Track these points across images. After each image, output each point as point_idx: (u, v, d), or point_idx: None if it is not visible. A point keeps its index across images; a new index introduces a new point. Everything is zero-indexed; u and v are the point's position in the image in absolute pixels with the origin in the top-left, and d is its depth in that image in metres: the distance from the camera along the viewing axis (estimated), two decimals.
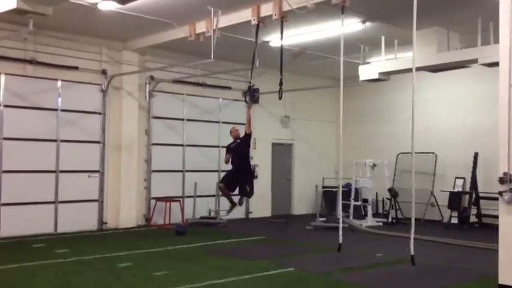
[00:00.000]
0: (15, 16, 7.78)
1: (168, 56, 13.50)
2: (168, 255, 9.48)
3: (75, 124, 12.40)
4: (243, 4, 9.71)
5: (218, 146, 14.58)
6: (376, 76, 12.27)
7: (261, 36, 10.54)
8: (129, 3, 8.63)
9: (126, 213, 13.02)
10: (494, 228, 7.30)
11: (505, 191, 6.70)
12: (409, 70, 8.24)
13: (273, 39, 12.01)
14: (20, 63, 11.54)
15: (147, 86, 13.58)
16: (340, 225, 9.07)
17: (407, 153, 13.39)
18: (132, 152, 13.21)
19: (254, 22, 9.67)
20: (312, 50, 13.07)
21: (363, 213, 14.88)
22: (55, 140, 12.06)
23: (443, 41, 11.28)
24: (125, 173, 13.05)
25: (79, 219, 12.28)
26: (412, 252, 7.87)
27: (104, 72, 12.79)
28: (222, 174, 14.11)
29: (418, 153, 11.91)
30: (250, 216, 15.57)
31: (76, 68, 12.33)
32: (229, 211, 11.28)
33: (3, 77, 11.32)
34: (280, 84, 9.49)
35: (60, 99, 12.14)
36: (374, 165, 14.84)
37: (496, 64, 7.59)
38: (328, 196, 15.87)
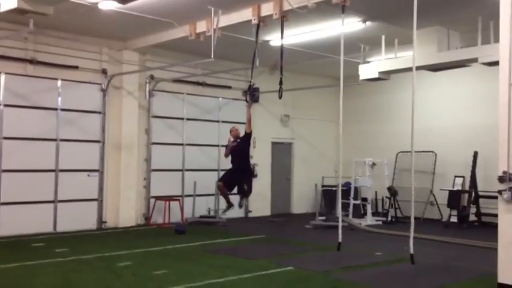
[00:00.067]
0: (16, 16, 7.79)
1: (168, 55, 13.51)
2: (167, 254, 9.48)
3: (75, 123, 12.41)
4: (243, 3, 9.71)
5: (218, 145, 14.59)
6: (376, 75, 12.28)
7: (261, 35, 10.55)
8: (130, 2, 8.61)
9: (125, 212, 13.03)
10: (494, 226, 7.30)
11: (505, 190, 6.71)
12: (409, 69, 8.26)
13: (274, 38, 12.01)
14: (21, 63, 11.55)
15: (147, 85, 13.59)
16: (340, 224, 9.10)
17: (407, 152, 13.42)
18: (131, 151, 13.21)
19: (254, 21, 9.68)
20: (312, 49, 13.07)
21: (363, 212, 14.90)
22: (55, 139, 12.06)
23: (444, 40, 11.29)
24: (125, 172, 13.05)
25: (78, 219, 12.28)
26: (411, 251, 7.89)
27: (104, 71, 12.80)
28: (222, 173, 14.17)
29: (417, 152, 11.93)
30: (250, 215, 15.58)
31: (76, 67, 12.34)
32: (225, 211, 11.33)
33: (3, 76, 11.32)
34: (280, 83, 9.51)
35: (60, 99, 12.15)
36: (373, 164, 14.86)
37: (496, 63, 7.60)
38: (328, 195, 15.89)
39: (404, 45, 11.56)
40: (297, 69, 15.43)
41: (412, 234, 7.82)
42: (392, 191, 14.76)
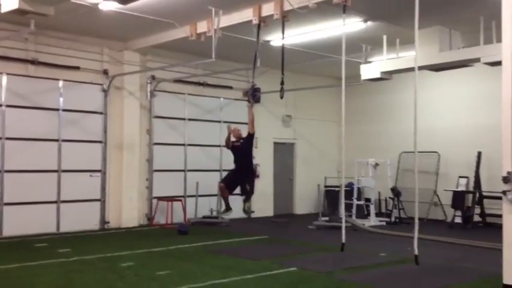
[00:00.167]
0: (17, 16, 7.78)
1: (169, 55, 13.50)
2: (170, 254, 9.46)
3: (77, 124, 12.40)
4: (244, 4, 9.70)
5: (219, 146, 14.56)
6: (378, 75, 12.24)
7: (262, 35, 10.54)
8: (130, 3, 8.61)
9: (128, 212, 13.02)
10: (498, 227, 7.27)
11: (509, 190, 6.65)
12: (411, 69, 8.26)
13: (275, 38, 11.99)
14: (22, 63, 11.55)
15: (149, 85, 13.59)
16: (343, 225, 9.06)
17: (410, 152, 13.38)
18: (133, 152, 13.21)
19: (255, 22, 9.67)
20: (313, 50, 13.06)
21: (366, 212, 14.87)
22: (57, 140, 12.06)
23: (446, 40, 11.25)
24: (127, 172, 13.05)
25: (81, 219, 12.28)
26: (415, 252, 7.87)
27: (105, 72, 12.79)
28: (224, 174, 14.14)
29: (420, 152, 11.84)
30: (252, 215, 15.52)
31: (77, 68, 12.33)
32: (223, 212, 11.33)
33: (5, 77, 11.32)
34: (282, 83, 9.49)
35: (61, 99, 12.14)
36: (376, 164, 14.82)
37: (498, 63, 7.57)
38: (331, 195, 15.86)
39: (406, 45, 11.54)
40: (299, 69, 15.42)
41: (416, 235, 7.79)
42: (396, 192, 14.72)
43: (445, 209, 14.59)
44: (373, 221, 14.08)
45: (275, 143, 16.64)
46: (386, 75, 12.32)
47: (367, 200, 14.92)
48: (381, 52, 11.97)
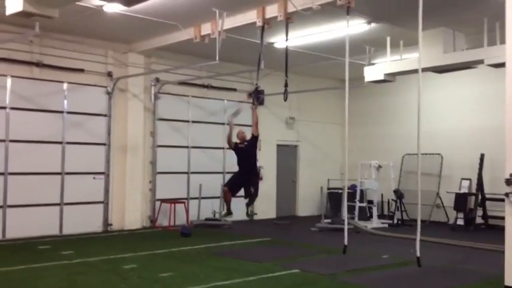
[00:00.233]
0: (21, 19, 7.80)
1: (174, 58, 13.53)
2: (173, 256, 9.48)
3: (81, 126, 12.44)
4: (248, 6, 9.71)
5: (223, 148, 14.57)
6: (381, 77, 12.25)
7: (266, 37, 10.54)
8: (135, 5, 8.64)
9: (131, 215, 13.04)
10: (501, 229, 7.26)
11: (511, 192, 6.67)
12: (415, 71, 8.25)
13: (278, 40, 12.01)
14: (26, 66, 11.59)
15: (153, 88, 13.62)
16: (346, 227, 9.07)
17: (413, 154, 13.36)
18: (137, 154, 13.23)
19: (259, 24, 9.67)
20: (317, 51, 13.07)
21: (368, 214, 14.85)
22: (61, 142, 12.09)
23: (449, 41, 11.25)
24: (130, 174, 13.07)
25: (84, 221, 12.30)
26: (418, 254, 7.87)
27: (109, 74, 12.83)
28: (227, 176, 14.15)
29: (423, 154, 11.89)
30: (255, 217, 15.56)
31: (82, 70, 12.37)
32: (223, 216, 11.33)
33: (9, 79, 11.36)
34: (286, 85, 9.50)
35: (66, 102, 12.18)
36: (379, 166, 14.81)
37: (502, 65, 7.57)
38: (334, 197, 15.84)
39: (410, 47, 11.53)
40: (302, 71, 15.43)
41: (418, 237, 7.80)
42: (399, 194, 14.71)
43: (448, 211, 14.58)
44: (375, 223, 14.06)
45: (278, 145, 16.65)
46: (390, 77, 12.32)
47: (370, 202, 14.91)
48: (385, 54, 11.98)
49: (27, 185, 11.50)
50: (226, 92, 15.15)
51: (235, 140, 10.49)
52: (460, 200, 13.78)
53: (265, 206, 15.76)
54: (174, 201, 13.55)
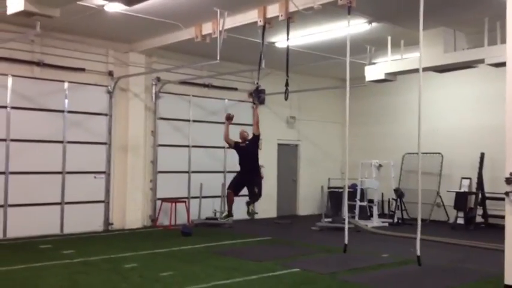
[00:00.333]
0: (23, 18, 7.81)
1: (175, 57, 13.54)
2: (173, 256, 9.49)
3: (82, 125, 12.45)
4: (249, 5, 9.72)
5: (224, 147, 14.56)
6: (382, 77, 12.25)
7: (267, 37, 10.54)
8: (136, 4, 8.64)
9: (132, 214, 13.06)
10: (501, 228, 7.27)
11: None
12: (416, 70, 8.25)
13: (279, 40, 12.01)
14: (27, 65, 11.60)
15: (154, 87, 13.62)
16: (346, 226, 9.08)
17: (414, 153, 13.38)
18: (138, 153, 13.25)
19: (260, 23, 9.67)
20: (318, 51, 13.08)
21: (369, 213, 14.88)
22: (61, 142, 12.11)
23: (450, 41, 11.25)
24: (131, 174, 13.09)
25: (85, 220, 12.32)
26: (418, 253, 7.88)
27: (110, 73, 12.84)
28: (228, 175, 14.21)
29: (424, 153, 11.88)
30: (256, 217, 15.52)
31: (83, 69, 12.38)
32: (224, 217, 11.35)
33: (10, 78, 11.38)
34: (287, 85, 9.51)
35: (66, 101, 12.19)
36: (380, 165, 14.83)
37: (503, 64, 7.57)
38: (334, 197, 15.87)
39: (411, 47, 11.54)
40: (303, 70, 15.43)
41: (419, 236, 7.80)
42: (399, 193, 14.72)
43: (448, 210, 14.60)
44: (376, 222, 14.08)
45: (279, 144, 16.66)
46: (391, 77, 12.33)
47: (370, 201, 14.92)
48: (386, 53, 11.99)
49: (28, 184, 11.51)
50: (227, 91, 15.16)
51: (233, 137, 10.52)
52: (460, 199, 13.80)
53: (266, 205, 15.74)
54: (174, 200, 13.56)
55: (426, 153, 14.00)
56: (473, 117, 14.49)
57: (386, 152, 15.88)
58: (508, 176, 6.74)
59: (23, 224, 11.32)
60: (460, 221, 13.67)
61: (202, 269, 8.31)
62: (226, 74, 13.97)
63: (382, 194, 15.68)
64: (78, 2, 8.87)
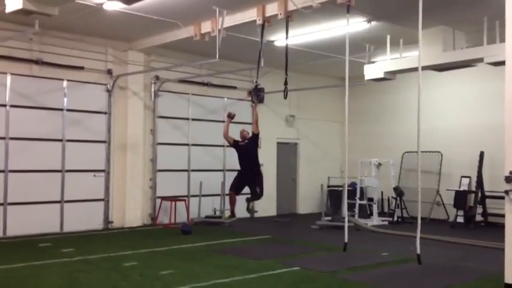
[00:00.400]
0: (21, 16, 7.80)
1: (174, 55, 13.53)
2: (173, 254, 9.49)
3: (81, 124, 12.44)
4: (248, 4, 9.71)
5: (223, 146, 14.56)
6: (381, 75, 12.25)
7: (266, 35, 10.54)
8: (135, 3, 8.61)
9: (131, 212, 13.06)
10: (500, 227, 7.27)
11: (511, 190, 6.68)
12: (415, 69, 8.25)
13: (279, 38, 12.01)
14: (26, 64, 11.59)
15: (153, 85, 13.62)
16: (346, 225, 9.08)
17: (413, 152, 13.39)
18: (137, 152, 13.24)
19: (259, 22, 9.67)
20: (317, 50, 13.07)
21: (369, 212, 14.88)
22: (61, 140, 12.10)
23: (449, 40, 11.25)
24: (131, 172, 13.09)
25: (85, 219, 12.32)
26: (418, 251, 7.87)
27: (109, 72, 12.83)
28: (228, 174, 14.22)
29: (423, 152, 11.89)
30: (255, 215, 15.56)
31: (82, 68, 12.37)
32: (228, 218, 11.37)
33: (9, 77, 11.37)
34: (286, 83, 9.51)
35: (65, 99, 12.19)
36: (379, 164, 14.85)
37: (502, 63, 7.57)
38: (334, 195, 15.87)
39: (410, 45, 11.54)
40: (302, 69, 15.44)
41: (418, 235, 7.80)
42: (399, 191, 14.73)
43: (447, 208, 14.60)
44: (375, 220, 14.09)
45: (278, 143, 16.66)
46: (390, 75, 12.32)
47: (370, 199, 14.93)
48: (385, 52, 11.98)
49: (27, 182, 11.51)
50: (226, 90, 15.15)
51: (232, 135, 10.52)
52: (460, 198, 13.80)
53: (266, 204, 15.73)
54: (174, 198, 13.56)
55: (426, 151, 14.01)
56: (473, 116, 14.49)
57: (385, 150, 15.89)
58: (507, 174, 6.74)
59: (23, 222, 11.32)
60: (460, 219, 13.66)
61: (202, 267, 8.30)
62: (226, 73, 13.96)
63: (382, 192, 15.69)
64: (77, 1, 8.89)
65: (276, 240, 11.46)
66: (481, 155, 13.73)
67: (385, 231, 12.53)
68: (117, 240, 11.20)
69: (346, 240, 8.97)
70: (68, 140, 12.18)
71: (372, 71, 12.41)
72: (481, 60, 10.69)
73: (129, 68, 12.97)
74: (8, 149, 11.29)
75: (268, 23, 9.70)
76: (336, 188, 15.81)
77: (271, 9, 9.47)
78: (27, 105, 11.60)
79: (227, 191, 11.76)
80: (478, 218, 13.68)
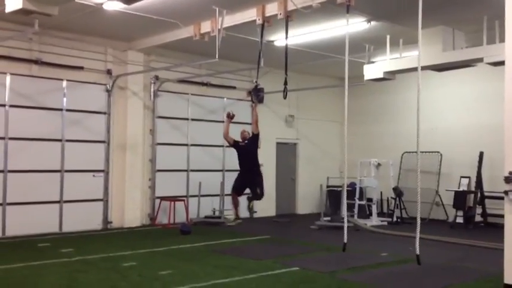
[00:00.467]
0: (21, 16, 7.80)
1: (173, 55, 13.52)
2: (172, 254, 9.49)
3: (80, 124, 12.43)
4: (248, 4, 9.71)
5: (222, 146, 14.56)
6: (381, 75, 12.24)
7: (266, 35, 10.53)
8: (134, 3, 8.60)
9: (130, 212, 13.05)
10: (500, 227, 7.28)
11: (511, 190, 6.68)
12: (414, 69, 8.24)
13: (278, 38, 12.00)
14: (26, 63, 11.58)
15: (152, 85, 13.62)
16: (345, 225, 9.07)
17: (412, 152, 13.39)
18: (136, 152, 13.24)
19: (259, 22, 9.67)
20: (316, 49, 13.06)
21: (368, 212, 14.88)
22: (60, 140, 12.09)
23: (449, 40, 11.25)
24: (130, 172, 13.08)
25: (84, 219, 12.31)
26: (417, 252, 7.86)
27: (109, 72, 12.82)
28: (227, 174, 14.21)
29: (423, 152, 11.89)
30: (255, 215, 15.49)
31: (81, 68, 12.37)
32: (233, 221, 11.35)
33: (8, 77, 11.36)
34: (285, 83, 9.50)
35: (65, 99, 12.18)
36: (379, 164, 14.85)
37: (501, 63, 7.57)
38: (333, 195, 15.86)
39: (409, 45, 11.53)
40: (302, 69, 15.43)
41: (418, 235, 7.79)
42: (398, 192, 14.72)
43: (447, 209, 14.60)
44: (375, 221, 14.08)
45: (278, 143, 16.66)
46: (390, 75, 12.32)
47: (369, 200, 14.93)
48: (384, 52, 11.97)
49: (26, 182, 11.50)
50: (226, 90, 15.15)
51: (232, 135, 10.51)
52: (459, 198, 13.80)
53: (265, 204, 15.66)
54: (173, 199, 13.55)
55: (425, 152, 14.00)
56: (472, 116, 14.49)
57: (385, 150, 15.89)
58: (507, 174, 6.74)
59: (22, 223, 11.31)
60: (459, 220, 13.66)
61: (201, 267, 8.30)
62: (225, 73, 13.95)
63: (381, 192, 15.69)
64: (76, 0, 8.88)
65: (276, 240, 11.46)
66: (481, 155, 13.73)
67: (384, 232, 12.53)
68: (116, 240, 11.19)
69: (345, 241, 8.95)
70: (67, 140, 12.17)
71: (372, 71, 12.40)
72: (480, 60, 10.68)
73: (129, 68, 12.96)
74: (7, 149, 11.28)
75: (268, 23, 9.69)
76: (335, 188, 15.80)
77: (271, 9, 9.47)
78: (26, 105, 11.59)
79: (226, 191, 11.76)
80: (478, 218, 13.69)
